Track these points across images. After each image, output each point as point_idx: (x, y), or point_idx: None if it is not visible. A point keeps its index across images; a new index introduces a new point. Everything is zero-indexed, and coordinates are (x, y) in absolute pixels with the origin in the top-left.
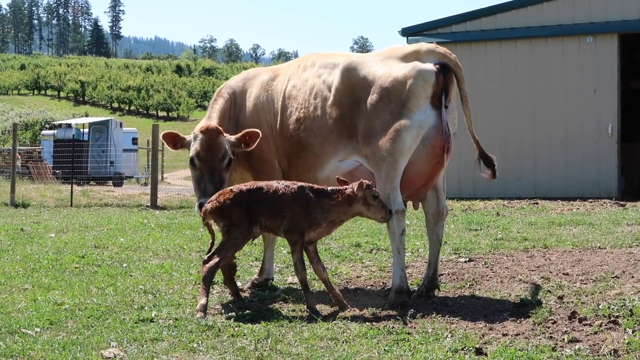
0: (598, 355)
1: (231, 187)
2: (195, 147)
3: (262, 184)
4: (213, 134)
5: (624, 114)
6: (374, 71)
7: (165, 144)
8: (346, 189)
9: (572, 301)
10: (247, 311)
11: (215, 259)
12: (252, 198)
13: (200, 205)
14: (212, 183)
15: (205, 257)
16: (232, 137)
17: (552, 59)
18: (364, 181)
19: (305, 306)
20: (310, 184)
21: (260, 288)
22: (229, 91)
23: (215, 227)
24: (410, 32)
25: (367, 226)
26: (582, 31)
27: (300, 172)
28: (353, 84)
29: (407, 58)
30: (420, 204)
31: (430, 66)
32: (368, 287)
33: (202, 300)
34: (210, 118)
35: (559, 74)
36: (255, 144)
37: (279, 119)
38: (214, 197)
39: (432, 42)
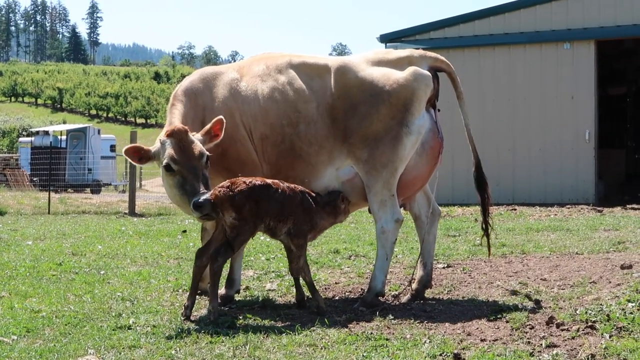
0: None
1: (243, 179)
2: (167, 152)
3: (269, 181)
4: (182, 134)
5: (602, 120)
6: (370, 74)
7: (128, 159)
8: (332, 200)
9: (550, 306)
10: (225, 317)
11: (223, 256)
12: (262, 194)
13: (195, 204)
14: (199, 181)
15: (201, 253)
16: (198, 134)
17: (530, 65)
18: (344, 195)
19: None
20: (309, 190)
21: (229, 304)
22: (186, 93)
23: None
24: (388, 39)
25: (345, 232)
26: (560, 38)
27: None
28: (349, 87)
29: (400, 62)
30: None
31: (427, 71)
32: (346, 294)
33: (214, 302)
34: (172, 124)
35: (537, 81)
36: (223, 132)
37: (259, 121)
38: (225, 183)
39: (410, 48)
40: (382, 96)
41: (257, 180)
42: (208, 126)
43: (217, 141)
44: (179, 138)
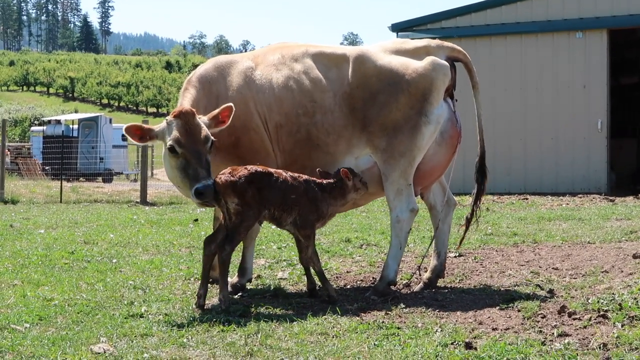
0: (587, 350)
1: (244, 166)
2: (173, 134)
3: (272, 170)
4: (189, 117)
5: (614, 109)
6: (388, 62)
7: (129, 137)
8: (337, 181)
9: (562, 295)
10: (237, 306)
11: (230, 244)
12: (264, 181)
13: (197, 191)
14: (202, 167)
15: (210, 241)
16: (205, 118)
17: (541, 54)
18: (345, 169)
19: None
20: (314, 178)
21: (241, 292)
22: (201, 80)
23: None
24: (400, 28)
25: (357, 222)
26: (572, 27)
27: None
28: (368, 76)
29: (417, 52)
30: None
31: (445, 61)
32: (358, 282)
33: (224, 292)
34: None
35: (549, 70)
36: (230, 119)
37: (274, 110)
38: (226, 170)
39: (422, 38)
40: (401, 85)
41: (259, 168)
42: (216, 111)
43: (223, 127)
44: (185, 120)
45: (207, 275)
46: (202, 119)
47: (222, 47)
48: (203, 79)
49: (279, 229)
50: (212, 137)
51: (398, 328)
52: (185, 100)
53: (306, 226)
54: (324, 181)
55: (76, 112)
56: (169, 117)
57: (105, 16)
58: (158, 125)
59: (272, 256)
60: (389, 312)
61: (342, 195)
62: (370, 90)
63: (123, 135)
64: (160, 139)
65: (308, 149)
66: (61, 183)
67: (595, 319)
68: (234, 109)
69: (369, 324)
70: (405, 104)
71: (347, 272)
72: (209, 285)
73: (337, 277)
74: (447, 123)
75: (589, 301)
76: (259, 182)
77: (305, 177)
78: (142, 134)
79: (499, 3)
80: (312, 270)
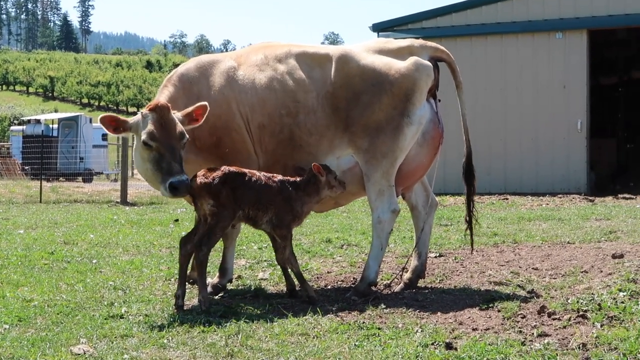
0: (567, 350)
1: (218, 167)
2: (148, 127)
3: (246, 170)
4: (165, 111)
5: (594, 110)
6: (371, 62)
7: (104, 127)
8: (310, 177)
9: (542, 296)
10: (218, 307)
11: (207, 245)
12: (238, 181)
13: (171, 185)
14: (176, 161)
15: (185, 241)
16: (179, 114)
17: (522, 54)
18: (317, 165)
19: (286, 295)
20: (287, 178)
21: (221, 292)
22: (181, 79)
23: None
24: (381, 28)
25: (338, 222)
26: (552, 27)
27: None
28: (351, 75)
29: (401, 52)
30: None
31: (428, 62)
32: (339, 283)
33: (203, 293)
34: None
35: (529, 70)
36: (203, 118)
37: (257, 111)
38: (200, 172)
39: (404, 38)
40: (384, 86)
41: (232, 168)
42: (190, 109)
43: (196, 126)
44: (160, 114)
45: (185, 275)
46: (176, 115)
47: (202, 46)
48: (184, 78)
49: (256, 229)
50: (186, 134)
51: (379, 328)
52: (162, 97)
53: (282, 226)
54: (297, 179)
55: (56, 111)
56: (144, 110)
57: (85, 15)
58: (133, 117)
59: (253, 257)
60: (370, 313)
61: (315, 191)
62: (353, 90)
63: (103, 135)
64: (134, 131)
65: (290, 149)
66: (41, 183)
67: (574, 319)
68: (208, 108)
69: (350, 324)
70: (388, 105)
71: (328, 272)
72: (189, 286)
73: (317, 277)
74: (429, 124)
75: (569, 301)
76: (232, 182)
77: (279, 177)
78: (117, 125)
79: (479, 3)
80: (290, 271)
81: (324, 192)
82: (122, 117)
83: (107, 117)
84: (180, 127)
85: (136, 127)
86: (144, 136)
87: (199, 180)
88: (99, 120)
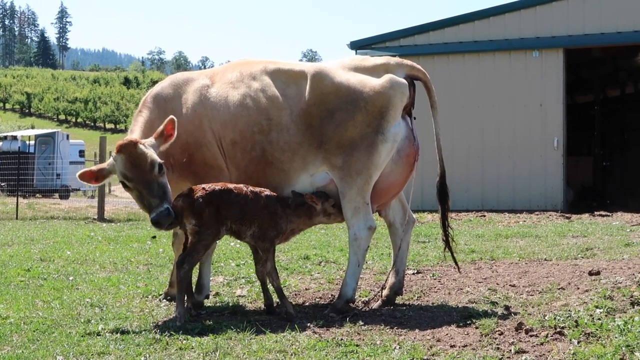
0: None
1: (202, 186)
2: (119, 169)
3: (231, 186)
4: (130, 149)
5: (570, 128)
6: (346, 80)
7: (86, 184)
8: (304, 202)
9: (519, 312)
10: (195, 324)
11: (189, 262)
12: (222, 199)
13: (152, 221)
14: (154, 196)
15: (177, 260)
16: (150, 139)
17: (499, 72)
18: (310, 195)
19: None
20: (275, 194)
21: (198, 309)
22: (155, 99)
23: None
24: (359, 46)
25: (316, 239)
26: (529, 46)
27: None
28: (325, 93)
29: (376, 70)
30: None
31: (403, 79)
32: (317, 300)
33: (180, 309)
34: (133, 132)
35: (506, 88)
36: (175, 130)
37: (229, 128)
38: (184, 192)
39: (381, 56)
40: (358, 103)
41: (217, 186)
42: (160, 128)
43: (172, 141)
44: (127, 153)
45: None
46: (148, 142)
47: (180, 63)
48: (158, 98)
49: (238, 245)
50: (159, 160)
51: (357, 345)
52: (136, 126)
53: (265, 239)
54: (289, 198)
55: (33, 128)
56: (114, 153)
57: (62, 31)
58: (107, 162)
59: (231, 273)
60: (348, 330)
61: (307, 215)
62: (327, 108)
63: (80, 151)
64: (114, 172)
65: (262, 166)
66: (17, 199)
67: (552, 336)
68: (176, 120)
69: (328, 341)
70: (362, 122)
71: (306, 289)
72: (168, 303)
73: (295, 294)
74: (404, 141)
75: (546, 318)
76: (217, 200)
77: (267, 192)
78: (96, 176)
79: (456, 22)
80: (269, 287)
81: (318, 218)
82: (95, 167)
83: (86, 173)
84: (150, 157)
85: (113, 169)
86: (120, 179)
87: (181, 200)
88: (78, 177)
